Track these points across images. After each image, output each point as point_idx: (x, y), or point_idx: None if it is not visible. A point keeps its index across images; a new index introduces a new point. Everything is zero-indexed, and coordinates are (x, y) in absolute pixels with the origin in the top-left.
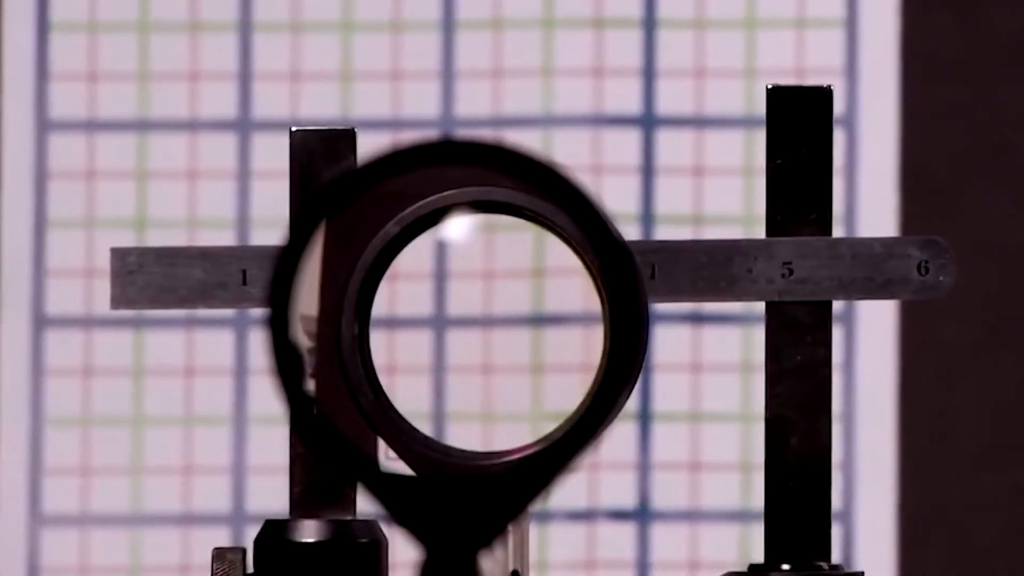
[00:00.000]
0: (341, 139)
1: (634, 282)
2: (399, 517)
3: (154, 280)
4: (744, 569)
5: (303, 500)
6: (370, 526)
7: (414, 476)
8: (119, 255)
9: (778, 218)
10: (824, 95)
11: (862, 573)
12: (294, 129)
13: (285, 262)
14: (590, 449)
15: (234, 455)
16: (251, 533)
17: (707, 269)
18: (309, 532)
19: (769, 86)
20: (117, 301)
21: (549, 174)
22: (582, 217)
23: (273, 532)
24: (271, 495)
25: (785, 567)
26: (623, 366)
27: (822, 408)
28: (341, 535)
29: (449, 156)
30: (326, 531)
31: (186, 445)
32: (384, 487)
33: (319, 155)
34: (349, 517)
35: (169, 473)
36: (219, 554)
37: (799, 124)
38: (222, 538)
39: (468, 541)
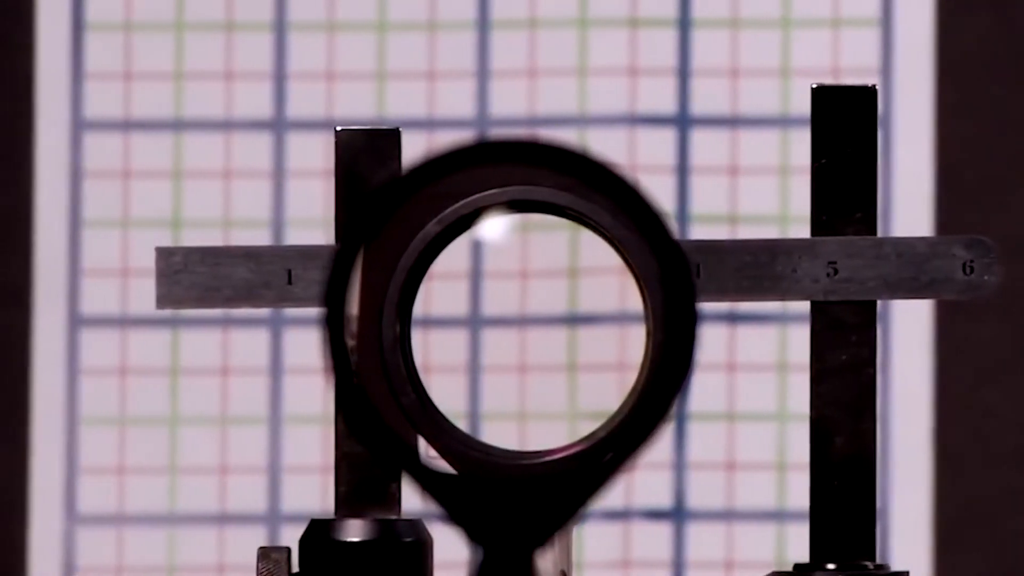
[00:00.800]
0: (386, 138)
1: (688, 281)
2: (456, 517)
3: (199, 280)
4: (789, 569)
5: (348, 500)
6: (415, 526)
7: (472, 476)
8: (164, 255)
9: (823, 217)
10: (868, 94)
11: (907, 573)
12: (339, 128)
13: (340, 262)
14: (646, 448)
15: (269, 455)
16: (286, 532)
17: (752, 268)
18: (354, 531)
19: (814, 85)
20: (163, 301)
21: (606, 174)
22: (637, 217)
23: (318, 531)
24: (306, 494)
25: (830, 566)
26: (677, 365)
27: (866, 408)
28: (386, 535)
29: (506, 155)
30: (371, 530)
31: (222, 445)
32: (441, 487)
33: (364, 154)
34: (394, 517)
35: (205, 472)
36: (264, 553)
37: (843, 123)
38: (258, 537)
39: (525, 541)
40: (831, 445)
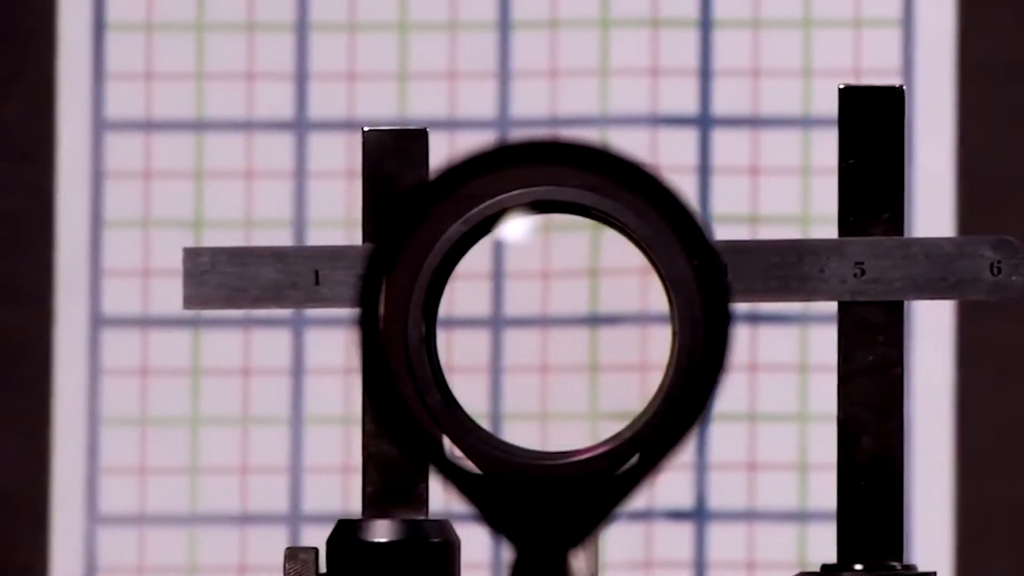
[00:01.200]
0: (413, 139)
1: (723, 283)
2: (489, 517)
3: (227, 280)
4: (816, 569)
5: (375, 500)
6: (442, 526)
7: (506, 476)
8: (191, 255)
9: (850, 218)
10: (896, 94)
11: (934, 574)
12: (366, 129)
13: (374, 263)
14: (679, 450)
15: (291, 455)
16: (308, 533)
17: (779, 269)
18: (382, 532)
19: (841, 86)
20: (190, 301)
21: (641, 175)
22: (673, 217)
23: (346, 532)
24: (328, 495)
25: (858, 567)
26: (710, 366)
27: (894, 408)
28: (414, 535)
29: (543, 155)
30: (399, 531)
31: (243, 445)
32: (475, 487)
33: (391, 155)
34: (421, 517)
35: (226, 473)
36: (292, 553)
37: (871, 124)
38: (279, 538)
39: (558, 541)
40: (858, 445)
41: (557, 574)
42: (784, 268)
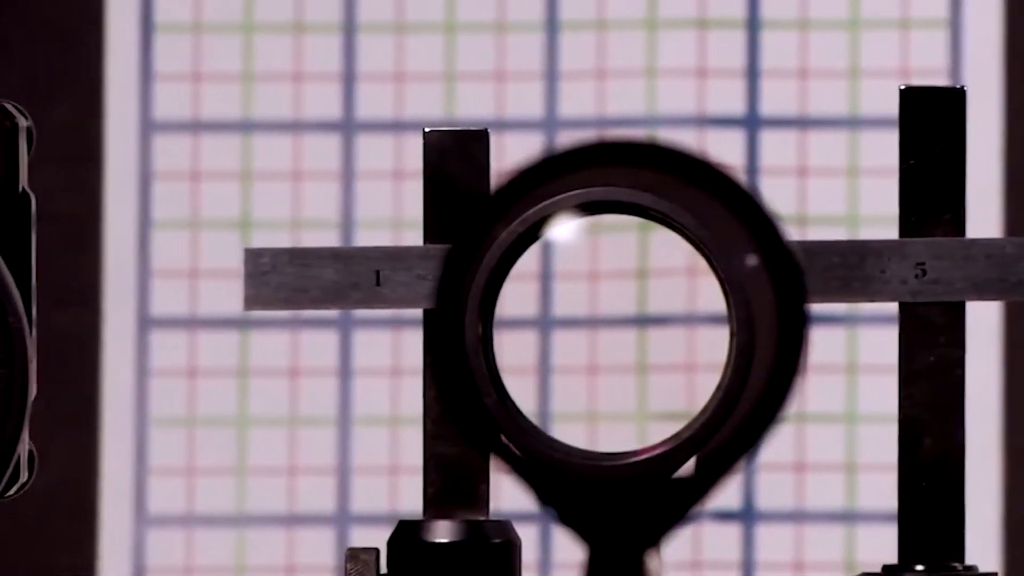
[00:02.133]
0: (474, 139)
1: (800, 282)
2: (565, 517)
3: (287, 281)
4: (877, 570)
5: (436, 500)
6: (504, 527)
7: (584, 477)
8: (252, 256)
9: (911, 219)
10: (957, 95)
11: (995, 574)
12: (427, 129)
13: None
14: (755, 451)
15: (339, 455)
16: (355, 533)
17: (840, 270)
18: (443, 533)
19: (902, 87)
20: (251, 302)
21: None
22: (749, 218)
23: (407, 532)
24: (376, 495)
25: (919, 568)
26: (789, 364)
27: (955, 409)
28: (475, 536)
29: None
30: (460, 532)
31: (291, 446)
32: (552, 487)
33: (452, 155)
34: (482, 518)
35: (274, 473)
36: (353, 554)
37: (931, 125)
38: (327, 539)
39: (636, 541)
40: (920, 446)
41: (633, 575)
42: (845, 269)
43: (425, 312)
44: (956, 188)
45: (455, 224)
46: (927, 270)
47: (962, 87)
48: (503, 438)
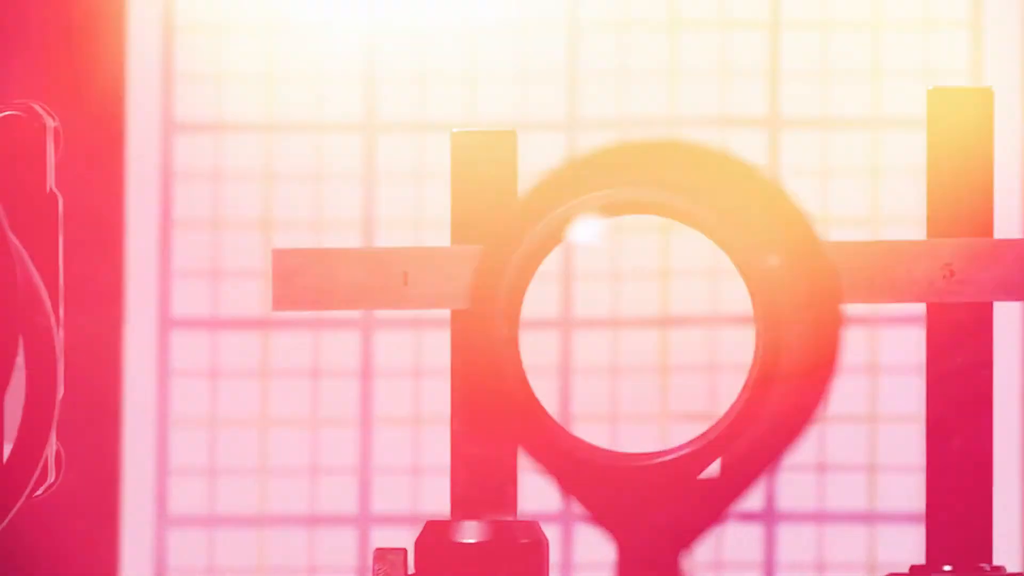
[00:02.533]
0: (502, 140)
1: (836, 285)
2: (599, 516)
3: (315, 282)
4: (905, 571)
5: (465, 501)
6: (531, 527)
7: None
8: (280, 257)
9: (939, 219)
10: (985, 96)
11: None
12: (455, 131)
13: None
14: (789, 451)
15: (360, 456)
16: (376, 534)
17: (867, 270)
18: (471, 533)
19: (930, 88)
20: (280, 302)
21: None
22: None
23: (435, 533)
24: (396, 496)
25: (947, 568)
26: (822, 367)
27: (983, 409)
28: (503, 536)
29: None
30: (488, 532)
31: (312, 446)
32: (587, 486)
33: (480, 156)
34: (510, 518)
35: (295, 474)
36: (381, 554)
37: (959, 126)
38: (348, 539)
39: (671, 541)
40: (948, 446)
41: (670, 573)
42: (872, 270)
43: (453, 312)
44: (983, 189)
45: (487, 226)
46: (955, 271)
47: (990, 87)
48: (530, 437)
